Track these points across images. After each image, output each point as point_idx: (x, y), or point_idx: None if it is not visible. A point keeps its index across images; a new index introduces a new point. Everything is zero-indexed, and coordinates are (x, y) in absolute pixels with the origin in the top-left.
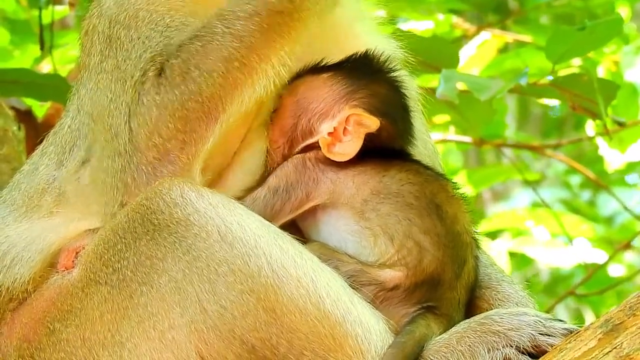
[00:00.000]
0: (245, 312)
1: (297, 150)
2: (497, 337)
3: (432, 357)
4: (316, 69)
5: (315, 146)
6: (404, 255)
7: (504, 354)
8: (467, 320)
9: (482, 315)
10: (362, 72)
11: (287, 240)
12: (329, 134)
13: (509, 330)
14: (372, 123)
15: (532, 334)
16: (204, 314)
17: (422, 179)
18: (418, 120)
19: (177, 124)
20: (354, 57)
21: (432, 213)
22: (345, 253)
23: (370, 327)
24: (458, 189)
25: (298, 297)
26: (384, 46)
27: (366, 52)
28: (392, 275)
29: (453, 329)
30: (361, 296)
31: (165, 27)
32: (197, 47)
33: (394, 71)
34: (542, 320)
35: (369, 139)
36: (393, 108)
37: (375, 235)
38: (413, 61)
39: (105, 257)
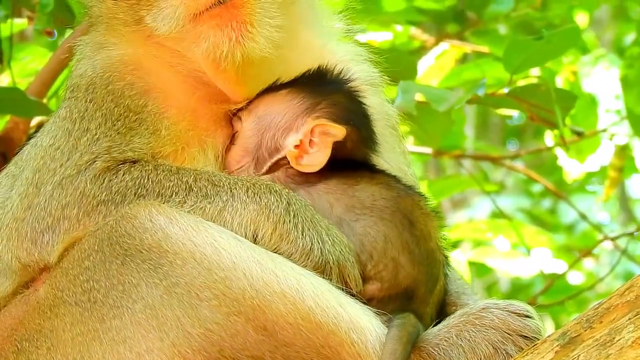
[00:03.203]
0: (234, 333)
1: (264, 169)
2: (501, 335)
3: (432, 350)
4: (272, 88)
5: (282, 164)
6: (379, 270)
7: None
8: (462, 312)
9: (479, 306)
10: (320, 84)
11: (264, 254)
12: (296, 147)
13: (514, 332)
14: (339, 132)
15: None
16: (188, 337)
17: (394, 194)
18: (391, 134)
19: (80, 213)
20: (308, 72)
21: (406, 230)
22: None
23: (364, 328)
24: (430, 204)
25: (287, 312)
26: (351, 53)
27: (319, 66)
28: (365, 289)
29: (448, 321)
30: (348, 295)
31: (127, 109)
32: (151, 181)
33: (350, 81)
34: (542, 327)
35: (335, 149)
36: (355, 116)
37: (356, 255)
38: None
39: (71, 273)
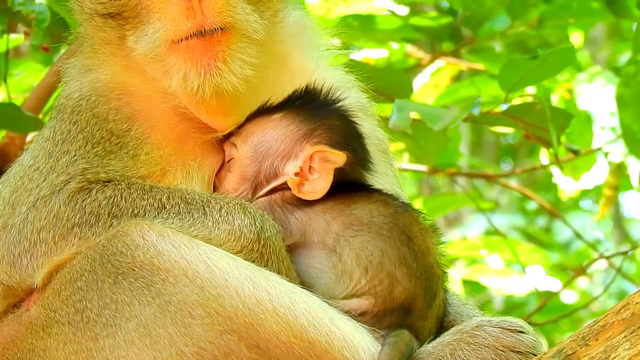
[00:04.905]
0: (228, 351)
1: (261, 193)
2: (494, 353)
3: None
4: (264, 111)
5: (280, 188)
6: (374, 285)
7: None
8: (456, 329)
9: (472, 324)
10: (312, 107)
11: (257, 272)
12: (296, 174)
13: (507, 349)
14: (339, 158)
15: None
16: (182, 356)
17: (392, 211)
18: (383, 157)
19: (56, 237)
20: (297, 93)
21: (404, 245)
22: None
23: (357, 346)
24: (428, 220)
25: (279, 330)
26: (340, 79)
27: (308, 87)
28: (359, 304)
29: (442, 338)
30: (341, 312)
31: (109, 133)
32: (124, 200)
33: (340, 101)
34: (537, 342)
35: (335, 173)
36: (352, 138)
37: (351, 270)
38: (368, 90)
39: (64, 294)
